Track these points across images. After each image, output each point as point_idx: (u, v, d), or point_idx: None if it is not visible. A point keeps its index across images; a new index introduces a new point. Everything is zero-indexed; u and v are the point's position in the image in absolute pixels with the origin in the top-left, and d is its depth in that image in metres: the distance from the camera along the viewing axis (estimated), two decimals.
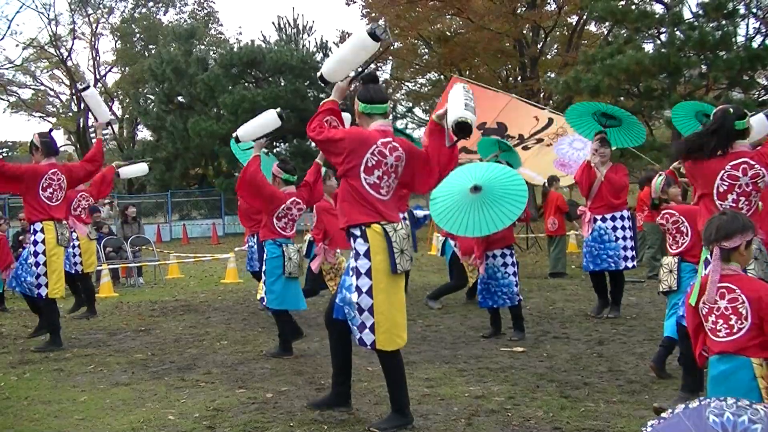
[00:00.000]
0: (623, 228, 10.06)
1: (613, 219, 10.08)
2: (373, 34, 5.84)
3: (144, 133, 51.24)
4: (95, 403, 6.81)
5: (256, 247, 11.68)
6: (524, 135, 17.77)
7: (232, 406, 6.51)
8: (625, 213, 10.15)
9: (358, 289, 5.66)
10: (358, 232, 5.71)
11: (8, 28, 68.00)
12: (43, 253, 9.25)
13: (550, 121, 17.77)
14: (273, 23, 72.16)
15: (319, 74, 6.30)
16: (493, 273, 9.04)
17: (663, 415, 3.66)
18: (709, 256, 4.56)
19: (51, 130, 10.21)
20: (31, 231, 9.33)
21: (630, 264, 10.14)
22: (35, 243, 9.26)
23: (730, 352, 4.37)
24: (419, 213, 16.91)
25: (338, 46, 6.05)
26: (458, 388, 6.86)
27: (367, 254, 5.67)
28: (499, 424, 5.78)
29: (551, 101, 37.21)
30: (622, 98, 26.46)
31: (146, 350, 9.19)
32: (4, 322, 11.71)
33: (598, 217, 10.15)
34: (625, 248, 10.05)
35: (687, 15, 24.65)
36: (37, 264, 9.25)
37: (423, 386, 6.95)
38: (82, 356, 8.92)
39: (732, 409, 3.50)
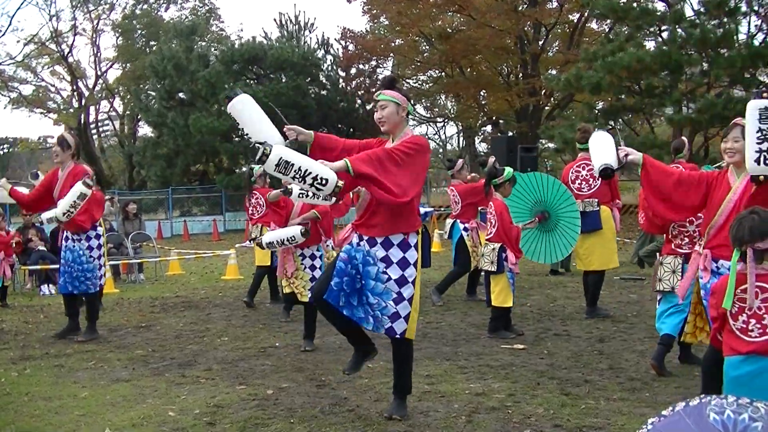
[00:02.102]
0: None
1: None
2: None
3: (145, 130, 51.29)
4: (96, 399, 6.82)
5: None
6: None
7: (233, 403, 6.51)
8: (616, 214, 10.11)
9: (401, 279, 5.71)
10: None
11: (9, 24, 67.80)
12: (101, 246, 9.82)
13: None
14: (274, 20, 72.22)
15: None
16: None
17: (663, 412, 3.66)
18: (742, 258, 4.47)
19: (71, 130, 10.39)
20: (92, 230, 9.66)
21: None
22: (98, 237, 9.75)
23: (762, 352, 4.34)
24: (421, 210, 16.90)
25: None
26: (459, 385, 6.86)
27: (416, 246, 5.80)
28: (499, 421, 5.78)
29: (552, 99, 37.22)
30: (623, 96, 26.47)
31: (147, 346, 9.20)
32: (5, 318, 11.71)
33: None
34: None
35: (688, 12, 24.67)
36: (100, 257, 9.78)
37: (423, 383, 6.94)
38: (82, 352, 8.93)
39: (733, 407, 3.49)
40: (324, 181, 5.11)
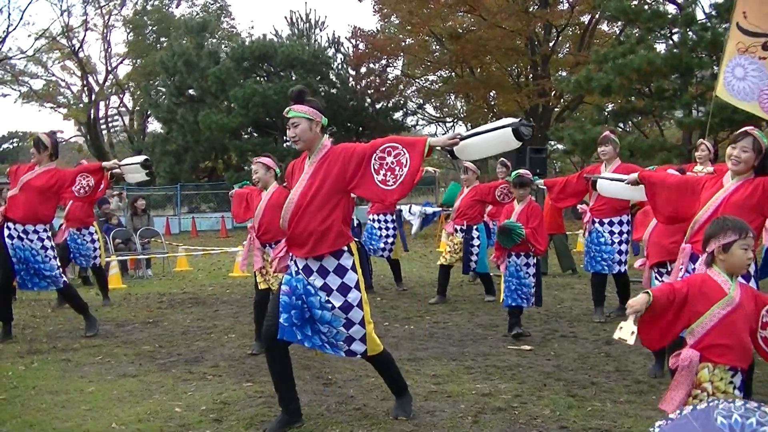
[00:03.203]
0: (620, 233, 9.99)
1: (611, 224, 9.97)
2: (517, 132, 5.63)
3: (154, 126, 51.43)
4: (102, 394, 6.83)
5: None
6: None
7: (239, 400, 6.52)
8: (625, 218, 10.04)
9: (346, 305, 5.57)
10: (345, 248, 5.64)
11: (21, 18, 68.20)
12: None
13: None
14: (285, 18, 72.11)
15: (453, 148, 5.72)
16: (516, 272, 9.04)
17: (671, 415, 3.66)
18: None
19: (54, 132, 10.29)
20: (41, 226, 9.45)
21: (623, 268, 10.10)
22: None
23: None
24: (429, 210, 16.88)
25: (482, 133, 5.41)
26: (465, 386, 6.86)
27: (354, 267, 5.64)
28: (505, 422, 5.78)
29: (562, 100, 37.18)
30: (633, 98, 26.41)
31: (154, 342, 9.21)
32: (13, 311, 11.72)
33: (597, 220, 10.08)
34: (619, 252, 10.00)
35: (699, 15, 24.61)
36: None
37: (430, 383, 6.95)
38: (89, 347, 8.95)
39: (740, 411, 3.49)
40: None
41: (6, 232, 9.34)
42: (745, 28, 9.26)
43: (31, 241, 9.30)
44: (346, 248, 5.62)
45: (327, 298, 5.57)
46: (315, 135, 5.68)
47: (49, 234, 9.51)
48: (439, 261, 12.30)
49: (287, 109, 5.74)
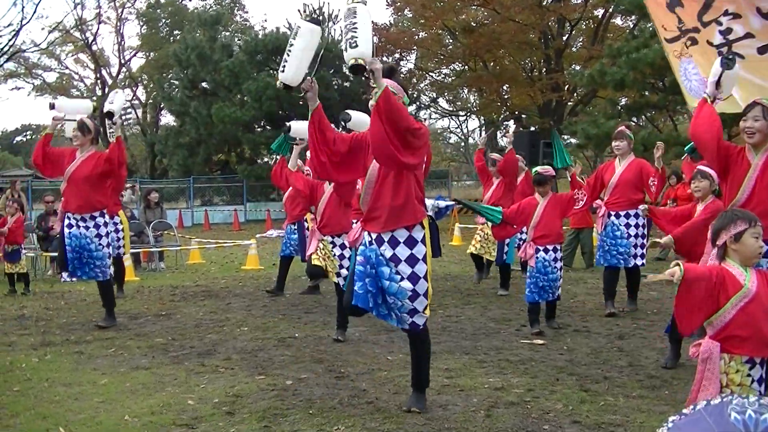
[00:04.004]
0: (636, 226, 9.98)
1: (627, 216, 9.98)
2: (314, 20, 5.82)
3: (167, 119, 51.43)
4: (115, 386, 6.85)
5: (298, 234, 11.85)
6: None
7: (252, 393, 6.53)
8: (640, 211, 10.03)
9: (413, 276, 5.71)
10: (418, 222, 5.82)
11: (35, 11, 68.32)
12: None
13: None
14: (298, 11, 71.95)
15: (280, 84, 6.01)
16: (543, 268, 9.03)
17: (684, 411, 3.65)
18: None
19: (95, 117, 10.45)
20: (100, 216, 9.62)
21: (639, 261, 10.09)
22: (106, 225, 9.72)
23: None
24: (441, 203, 16.85)
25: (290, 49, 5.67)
26: (478, 380, 6.85)
27: (423, 240, 5.78)
28: (518, 417, 5.77)
29: (575, 94, 37.07)
30: (647, 92, 26.31)
31: (166, 335, 9.23)
32: (27, 304, 11.78)
33: (612, 213, 10.09)
34: (635, 246, 9.99)
35: None
36: (109, 245, 9.84)
37: (443, 377, 6.94)
38: (102, 339, 8.97)
39: (754, 406, 3.48)
40: (354, 44, 5.39)
41: (66, 222, 9.59)
42: (669, 37, 9.44)
43: (87, 228, 9.47)
44: (418, 223, 5.78)
45: (396, 268, 5.72)
46: None
47: (107, 221, 9.70)
48: (468, 249, 12.48)
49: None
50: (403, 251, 5.74)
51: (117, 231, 11.86)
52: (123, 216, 12.07)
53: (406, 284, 5.70)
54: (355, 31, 5.44)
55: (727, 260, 4.46)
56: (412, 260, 5.73)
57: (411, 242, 5.75)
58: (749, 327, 4.28)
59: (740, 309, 4.30)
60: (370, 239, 5.87)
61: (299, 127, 9.52)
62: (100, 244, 9.52)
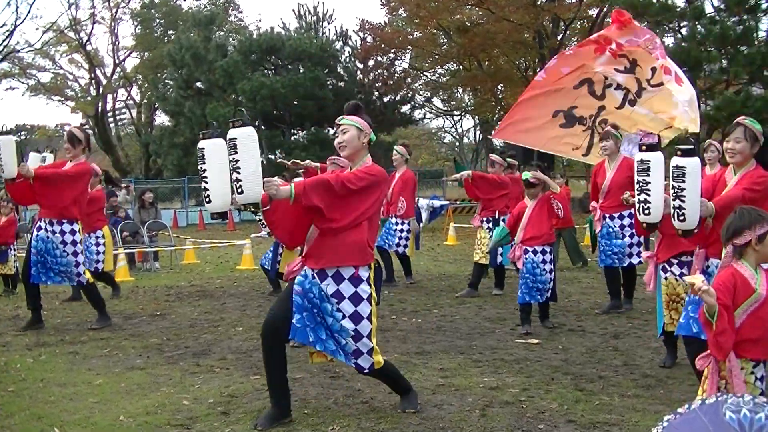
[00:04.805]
0: (631, 226, 10.04)
1: (621, 217, 10.07)
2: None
3: (162, 119, 51.53)
4: (110, 386, 6.84)
5: (273, 247, 11.91)
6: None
7: (247, 393, 6.53)
8: (623, 200, 10.11)
9: (356, 315, 5.56)
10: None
11: (29, 11, 68.24)
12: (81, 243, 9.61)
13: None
14: (293, 10, 72.06)
15: (241, 206, 5.34)
16: (532, 269, 9.04)
17: (679, 410, 3.65)
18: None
19: (84, 125, 10.41)
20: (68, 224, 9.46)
21: (635, 261, 10.13)
22: (74, 233, 9.45)
23: None
24: (436, 203, 16.83)
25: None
26: (473, 379, 6.85)
27: (369, 281, 5.64)
28: (513, 416, 5.77)
29: None
30: None
31: (161, 335, 9.22)
32: (21, 304, 11.74)
33: (607, 215, 10.16)
34: (630, 245, 10.03)
35: (708, 9, 24.59)
36: (75, 253, 9.51)
37: (437, 376, 6.95)
38: (97, 339, 8.96)
39: (749, 405, 3.48)
40: (240, 189, 5.10)
41: (36, 225, 9.58)
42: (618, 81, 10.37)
43: (53, 233, 9.37)
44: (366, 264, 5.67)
45: (337, 305, 5.56)
46: (362, 146, 5.75)
47: (75, 228, 9.49)
48: (475, 259, 12.24)
49: (341, 117, 5.81)
50: (347, 288, 5.57)
51: (98, 245, 11.71)
52: (107, 231, 11.95)
53: (349, 323, 5.55)
54: (239, 172, 5.15)
55: (741, 261, 4.38)
56: (355, 298, 5.57)
57: (356, 280, 5.58)
58: (760, 330, 4.25)
59: (751, 313, 4.25)
60: (311, 273, 5.63)
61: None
62: (64, 251, 9.39)
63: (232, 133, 5.16)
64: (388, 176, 5.93)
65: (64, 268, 9.44)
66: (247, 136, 5.15)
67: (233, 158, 5.13)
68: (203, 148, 5.28)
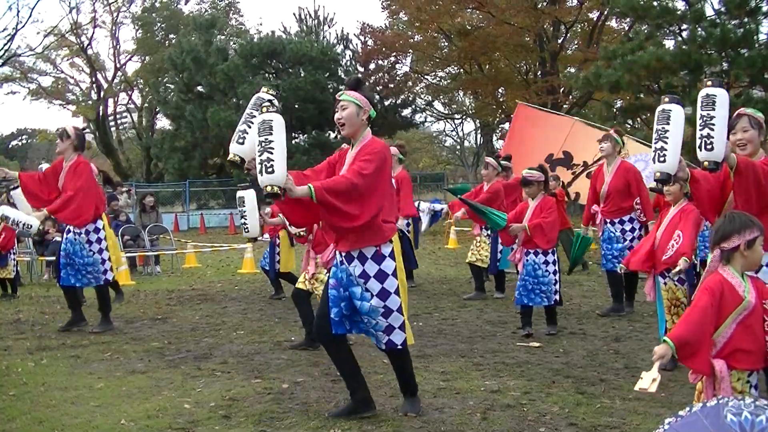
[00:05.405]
0: (632, 230, 10.13)
1: (621, 222, 10.22)
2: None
3: (163, 122, 51.41)
4: (111, 390, 6.84)
5: (270, 248, 12.11)
6: (588, 162, 16.98)
7: (248, 396, 6.52)
8: (634, 215, 10.19)
9: (383, 292, 5.63)
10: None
11: (30, 15, 68.05)
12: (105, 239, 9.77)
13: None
14: (294, 14, 72.12)
15: (272, 188, 5.26)
16: (533, 270, 9.02)
17: (680, 413, 3.65)
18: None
19: (83, 128, 10.52)
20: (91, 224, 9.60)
21: None
22: (97, 231, 9.66)
23: None
24: (436, 206, 16.84)
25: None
26: (474, 382, 6.85)
27: (392, 255, 5.70)
28: (514, 419, 5.77)
29: (571, 97, 37.12)
30: (642, 95, 26.34)
31: (163, 339, 9.23)
32: (23, 308, 11.77)
33: (608, 220, 10.25)
34: (631, 249, 10.06)
35: (709, 12, 24.49)
36: (101, 251, 9.66)
37: (439, 380, 6.95)
38: (98, 343, 8.96)
39: (750, 408, 3.48)
40: (270, 169, 5.16)
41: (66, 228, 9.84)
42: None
43: (78, 234, 9.52)
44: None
45: (365, 285, 5.65)
46: (361, 123, 5.81)
47: (99, 227, 9.65)
48: (470, 260, 12.25)
49: (340, 92, 5.87)
50: (371, 267, 5.65)
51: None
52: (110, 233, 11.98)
53: (377, 301, 5.63)
54: (272, 152, 5.21)
55: (728, 267, 4.31)
56: (381, 275, 5.65)
57: (378, 257, 5.66)
58: (750, 339, 4.19)
59: (740, 322, 4.19)
60: (341, 258, 5.77)
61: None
62: (90, 250, 9.55)
63: (267, 116, 5.29)
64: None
65: (91, 268, 9.57)
66: (280, 121, 5.31)
67: (266, 139, 5.24)
68: (271, 120, 5.31)
